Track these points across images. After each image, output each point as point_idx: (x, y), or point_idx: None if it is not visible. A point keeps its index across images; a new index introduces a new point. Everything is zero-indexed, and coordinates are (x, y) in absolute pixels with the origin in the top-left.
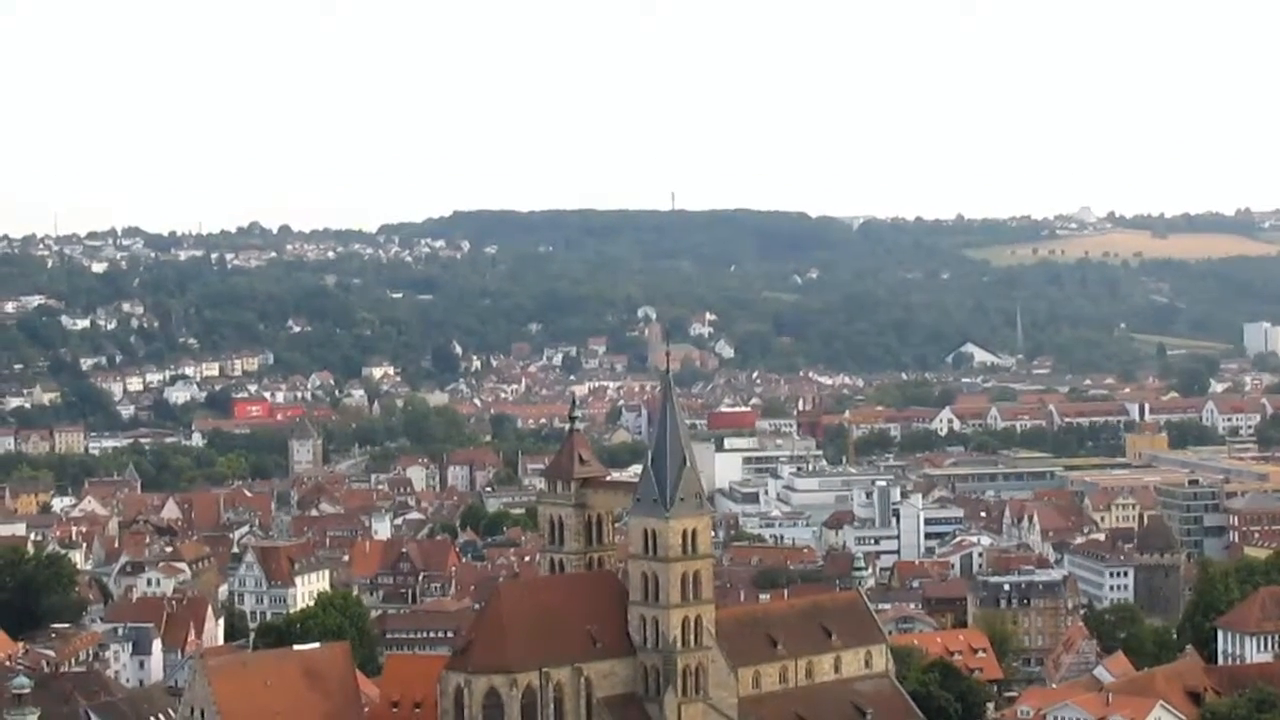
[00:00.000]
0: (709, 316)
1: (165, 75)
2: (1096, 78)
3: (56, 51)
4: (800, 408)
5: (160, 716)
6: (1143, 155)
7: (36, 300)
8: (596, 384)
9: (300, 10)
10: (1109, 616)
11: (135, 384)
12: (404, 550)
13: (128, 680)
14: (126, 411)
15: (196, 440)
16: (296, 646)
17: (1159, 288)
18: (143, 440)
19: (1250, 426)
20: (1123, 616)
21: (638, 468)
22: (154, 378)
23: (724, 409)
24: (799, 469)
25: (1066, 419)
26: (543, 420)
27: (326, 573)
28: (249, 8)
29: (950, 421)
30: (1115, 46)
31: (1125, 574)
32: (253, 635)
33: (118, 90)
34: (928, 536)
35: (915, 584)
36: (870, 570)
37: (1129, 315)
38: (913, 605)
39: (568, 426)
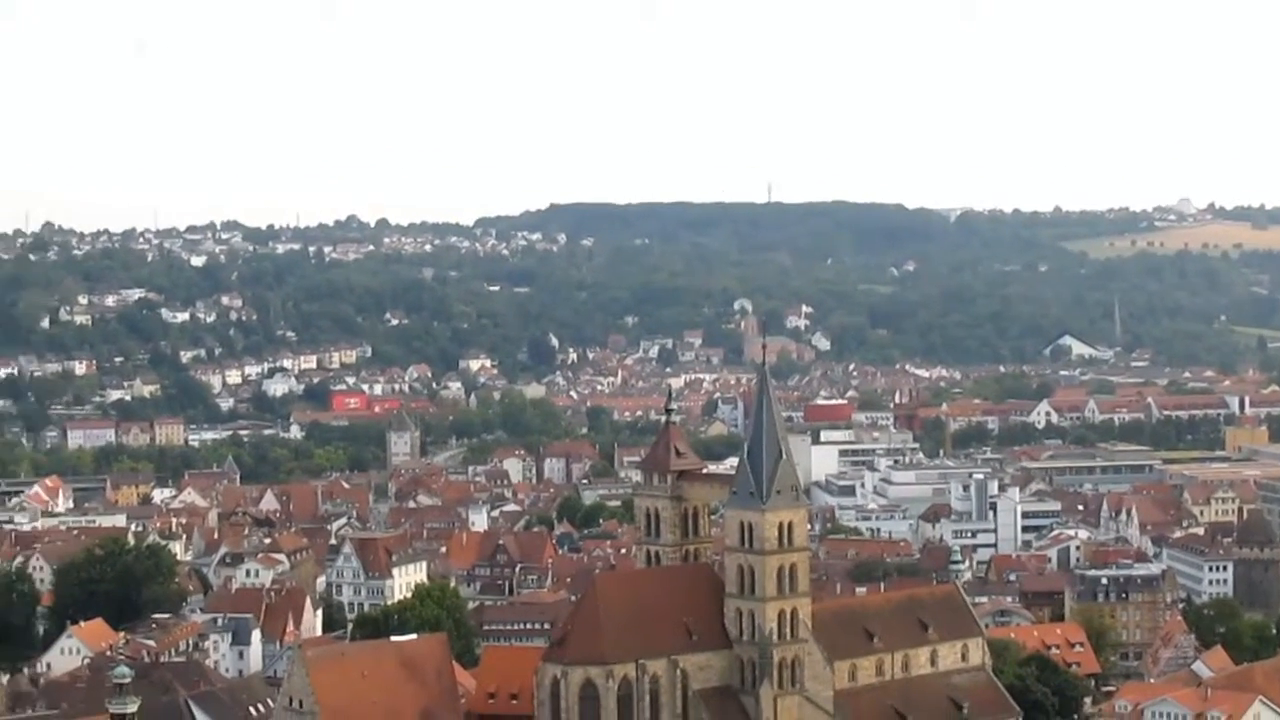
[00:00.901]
0: (805, 309)
1: (266, 70)
2: (1198, 68)
3: (155, 49)
4: (897, 400)
5: (259, 706)
6: (1243, 146)
7: (137, 294)
8: (692, 376)
9: (398, 6)
10: (1208, 611)
11: (234, 376)
12: (501, 542)
13: (227, 670)
14: (225, 404)
15: (295, 432)
16: (394, 638)
17: (1259, 279)
18: (241, 432)
19: None
20: (1222, 611)
21: (734, 460)
22: (252, 370)
23: (820, 401)
24: (895, 462)
25: (1165, 412)
26: (639, 412)
27: (424, 564)
28: (346, 4)
29: (1048, 414)
30: (1217, 37)
31: (1224, 568)
32: (350, 626)
33: (219, 86)
34: (1025, 530)
35: (1012, 577)
36: (967, 563)
37: (1229, 307)
38: (1009, 599)
39: (664, 419)
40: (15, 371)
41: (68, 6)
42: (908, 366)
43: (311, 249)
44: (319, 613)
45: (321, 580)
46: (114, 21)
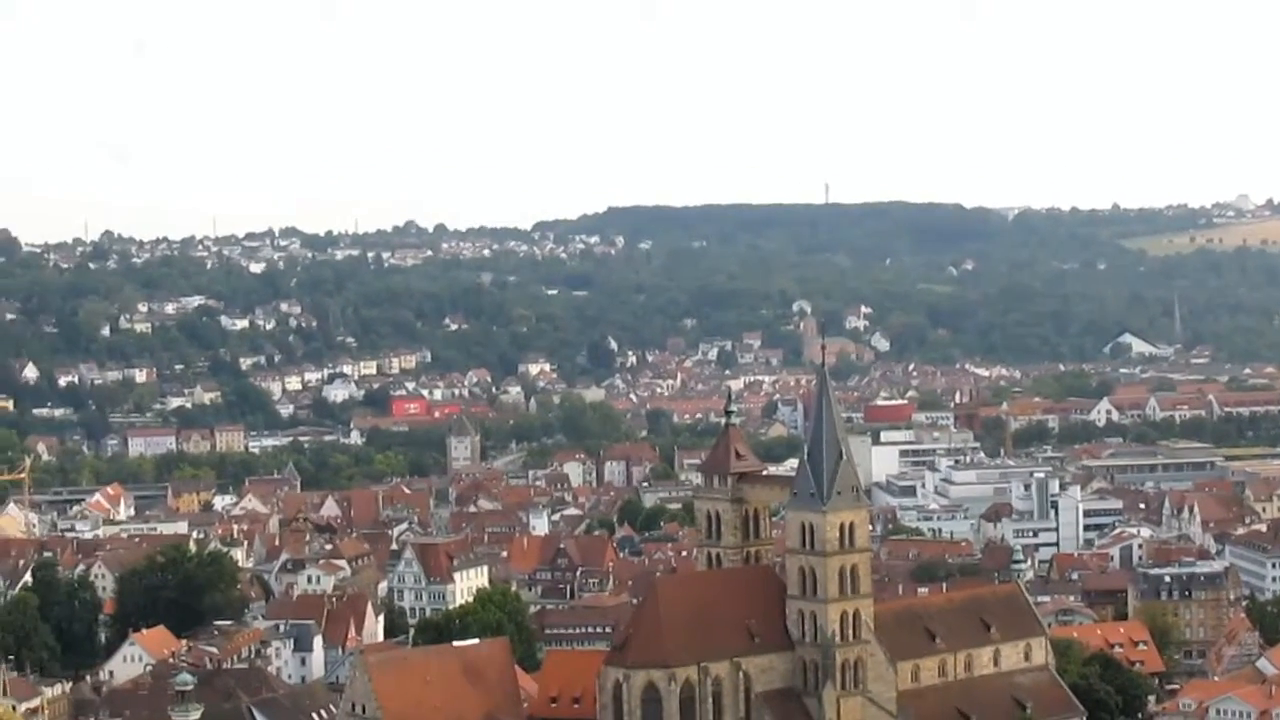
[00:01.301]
0: (864, 309)
1: (321, 77)
2: (1255, 63)
3: (220, 56)
4: (957, 400)
5: (322, 713)
6: None
7: (196, 301)
8: (752, 378)
9: (456, 11)
10: (1271, 608)
11: (294, 383)
12: (562, 546)
13: (289, 677)
14: (285, 410)
15: (355, 438)
16: (456, 643)
17: None
18: (302, 439)
19: None
20: None
21: (794, 462)
22: (312, 377)
23: (880, 402)
24: (956, 461)
25: (1226, 409)
26: (698, 415)
27: (485, 569)
28: (406, 7)
29: (1109, 412)
30: (1275, 30)
31: None
32: (412, 631)
33: (273, 93)
34: (1087, 528)
35: (1074, 576)
36: (1029, 563)
37: None
38: (1072, 598)
39: (724, 421)
40: (76, 380)
41: (126, 16)
42: (967, 366)
43: (370, 255)
44: (380, 618)
45: (383, 586)
46: (170, 27)
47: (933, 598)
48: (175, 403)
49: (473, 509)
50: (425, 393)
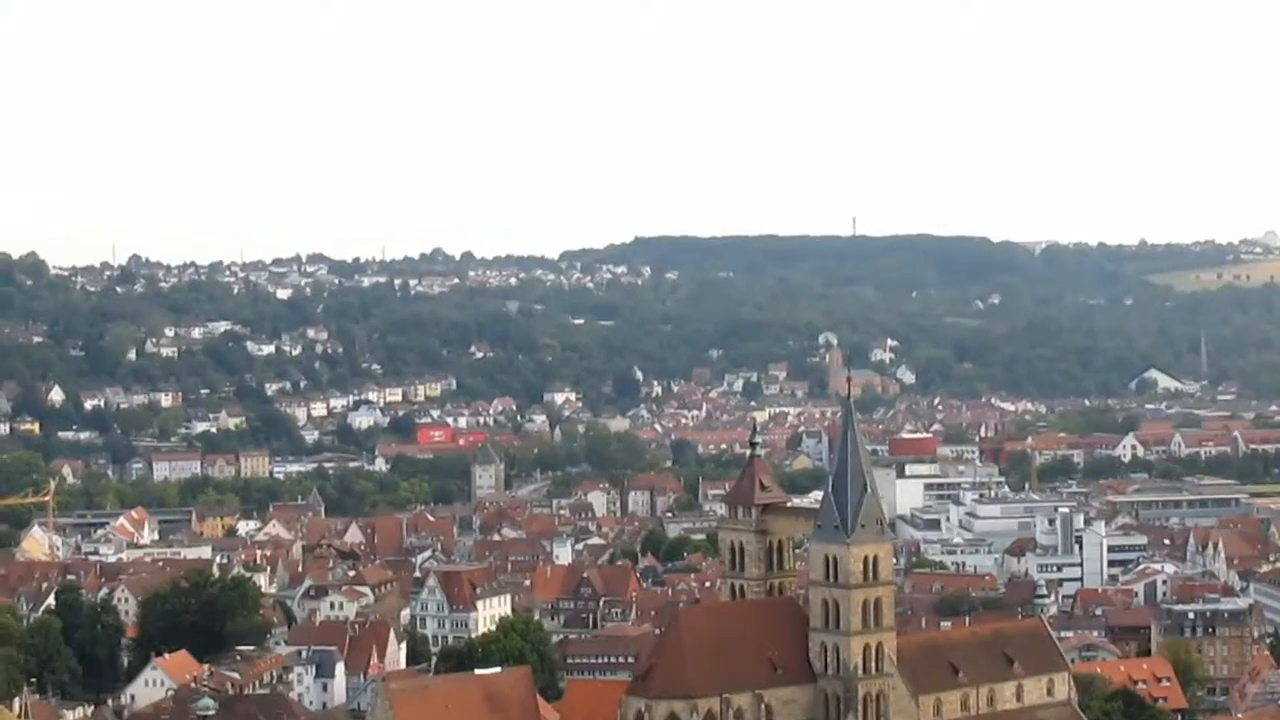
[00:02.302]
0: (890, 342)
1: (350, 104)
2: None
3: (250, 83)
4: (982, 434)
5: None
6: None
7: (223, 326)
8: (777, 410)
9: (487, 41)
10: None
11: (319, 409)
12: (585, 575)
13: (311, 703)
14: (310, 436)
15: (379, 465)
16: (478, 671)
17: None
18: (326, 465)
19: None
20: None
21: (819, 494)
22: (337, 403)
23: (905, 435)
24: (981, 495)
25: (1252, 445)
26: (723, 446)
27: (508, 597)
28: (434, 33)
29: (1134, 448)
30: None
31: None
32: (434, 659)
33: (302, 120)
34: (1111, 564)
35: (1098, 612)
36: (1052, 597)
37: None
38: (1096, 633)
39: (748, 452)
40: (102, 403)
41: (155, 40)
42: (993, 400)
43: (397, 282)
44: (403, 645)
45: (406, 613)
46: (200, 54)
47: (956, 632)
48: (200, 427)
49: (496, 537)
50: (450, 420)
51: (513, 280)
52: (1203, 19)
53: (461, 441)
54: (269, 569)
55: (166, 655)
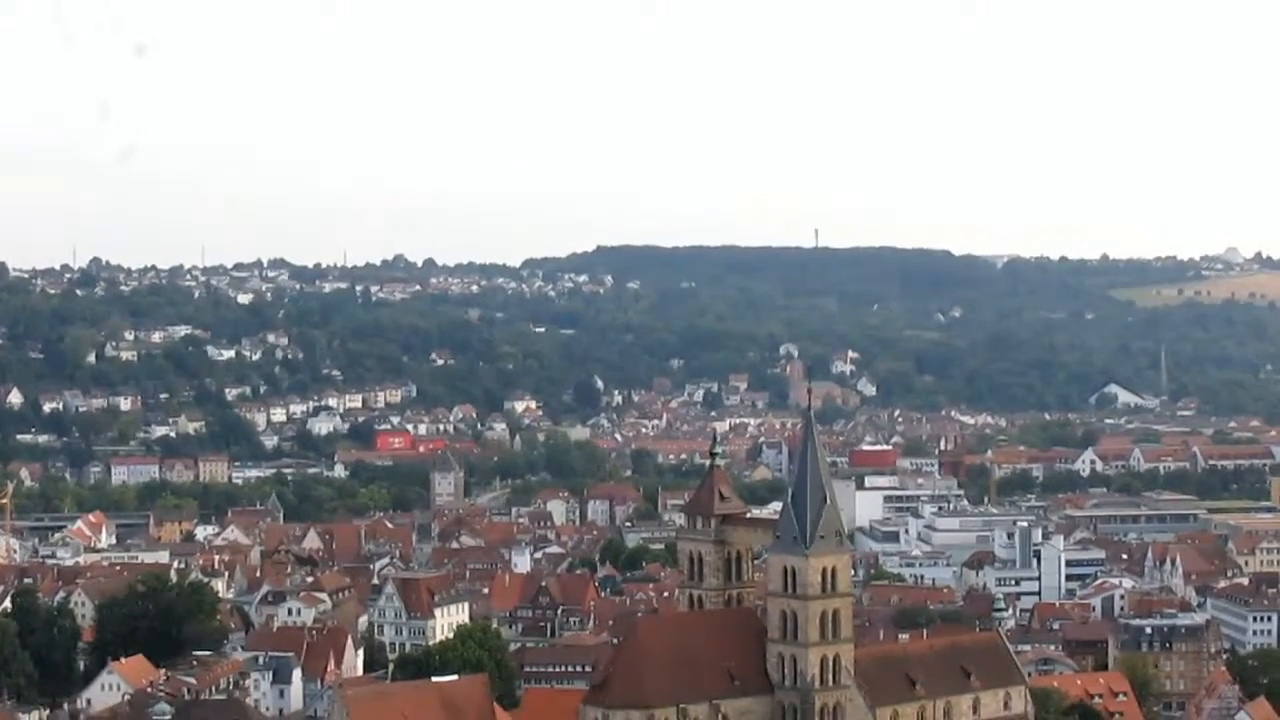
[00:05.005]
0: (851, 354)
1: (312, 109)
2: (1245, 118)
3: (213, 85)
4: (942, 447)
5: None
6: None
7: (183, 330)
8: (737, 420)
9: (448, 48)
10: (1252, 662)
11: (279, 414)
12: (543, 584)
13: (267, 709)
14: (270, 442)
15: (339, 471)
16: (435, 678)
17: None
18: (285, 470)
19: None
20: (1266, 662)
21: (778, 505)
22: (297, 409)
23: (865, 447)
24: (940, 508)
25: (1211, 461)
26: (683, 456)
27: (466, 605)
28: (398, 39)
29: (1093, 462)
30: (1265, 88)
31: (1269, 619)
32: (392, 666)
33: (264, 123)
34: (1069, 578)
35: (1056, 626)
36: (1010, 611)
37: (1275, 357)
38: (1053, 647)
39: (708, 462)
40: (60, 407)
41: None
42: (953, 413)
43: (358, 288)
44: (360, 652)
45: (363, 620)
46: (164, 51)
47: (913, 644)
48: (159, 431)
49: (455, 545)
50: (410, 427)
51: (474, 288)
52: (1167, 39)
53: (421, 449)
54: (227, 574)
55: (123, 660)
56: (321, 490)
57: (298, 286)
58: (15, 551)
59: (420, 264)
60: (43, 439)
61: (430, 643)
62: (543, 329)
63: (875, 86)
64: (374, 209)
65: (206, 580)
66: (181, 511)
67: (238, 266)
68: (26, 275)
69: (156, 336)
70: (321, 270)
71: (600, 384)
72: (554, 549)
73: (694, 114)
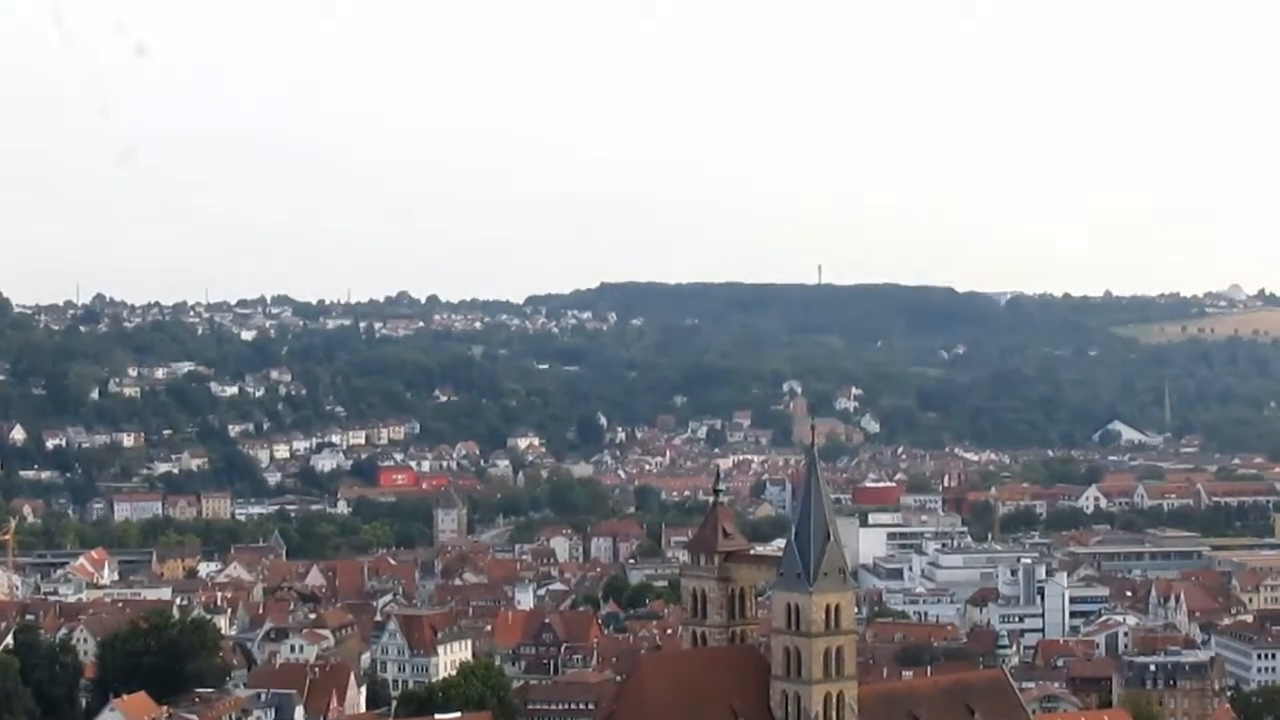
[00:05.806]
0: (855, 391)
1: (313, 145)
2: (1248, 157)
3: (212, 121)
4: (945, 484)
5: None
6: None
7: (186, 367)
8: (741, 457)
9: (449, 83)
10: (1256, 699)
11: (282, 451)
12: (546, 621)
13: None
14: (273, 478)
15: (342, 508)
16: (438, 716)
17: None
18: (288, 507)
19: None
20: (1270, 699)
21: (781, 542)
22: (300, 445)
23: (869, 484)
24: (944, 545)
25: (1215, 498)
26: (686, 493)
27: (469, 642)
28: (396, 74)
29: (1097, 499)
30: (1269, 126)
31: (1273, 656)
32: (394, 704)
33: (264, 160)
34: (1073, 615)
35: (1060, 663)
36: (1014, 648)
37: (1279, 394)
38: (1057, 684)
39: (712, 499)
40: (63, 443)
41: (115, 72)
42: (957, 450)
43: (362, 325)
44: (363, 689)
45: (366, 657)
46: (158, 91)
47: (917, 681)
48: (162, 468)
49: (458, 582)
50: (413, 464)
51: (477, 324)
52: (1166, 70)
53: (424, 485)
54: (229, 611)
55: (125, 696)
56: (324, 527)
57: (301, 323)
58: (17, 588)
59: (424, 300)
60: (45, 475)
61: (433, 680)
62: (546, 366)
63: (879, 122)
64: (377, 246)
65: (209, 617)
66: (184, 548)
67: (241, 303)
68: (30, 311)
69: (160, 373)
70: (325, 307)
71: (604, 421)
72: (557, 586)
73: (697, 151)
